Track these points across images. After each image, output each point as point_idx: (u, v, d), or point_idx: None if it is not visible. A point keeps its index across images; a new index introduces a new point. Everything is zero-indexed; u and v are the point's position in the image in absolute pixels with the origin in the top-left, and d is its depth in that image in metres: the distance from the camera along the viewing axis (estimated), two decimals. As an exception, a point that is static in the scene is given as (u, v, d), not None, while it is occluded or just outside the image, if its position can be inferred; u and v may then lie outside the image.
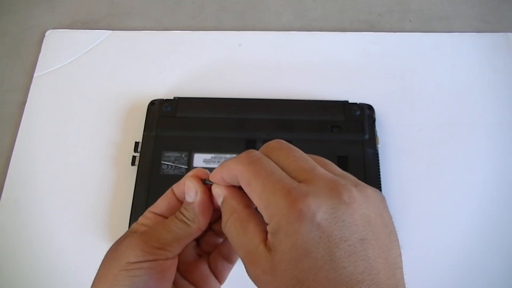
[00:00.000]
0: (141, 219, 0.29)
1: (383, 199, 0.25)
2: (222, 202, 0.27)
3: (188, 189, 0.28)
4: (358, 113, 0.52)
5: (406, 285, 0.23)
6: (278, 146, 0.26)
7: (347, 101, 0.53)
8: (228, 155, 0.50)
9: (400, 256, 0.24)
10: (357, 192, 0.23)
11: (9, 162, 0.53)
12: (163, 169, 0.49)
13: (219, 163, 0.45)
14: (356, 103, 0.53)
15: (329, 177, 0.24)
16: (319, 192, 0.23)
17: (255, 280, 0.25)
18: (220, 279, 0.31)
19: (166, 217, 0.29)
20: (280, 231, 0.22)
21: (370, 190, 0.24)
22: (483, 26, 0.61)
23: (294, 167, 0.25)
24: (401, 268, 0.24)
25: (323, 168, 0.25)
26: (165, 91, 0.56)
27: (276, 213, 0.23)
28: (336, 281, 0.21)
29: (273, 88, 0.56)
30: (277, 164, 0.25)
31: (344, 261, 0.22)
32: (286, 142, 0.26)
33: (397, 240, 0.25)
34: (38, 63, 0.59)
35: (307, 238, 0.22)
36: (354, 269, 0.22)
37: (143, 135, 0.52)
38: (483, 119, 0.54)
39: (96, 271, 0.29)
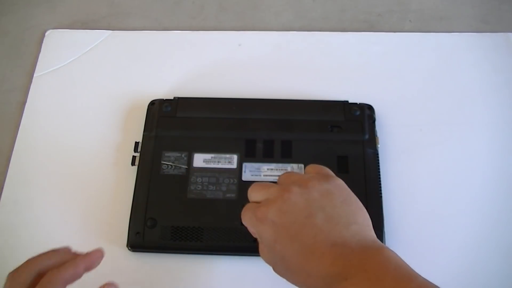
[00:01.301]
0: None
1: (331, 185, 0.35)
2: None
3: None
4: (358, 113, 0.52)
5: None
6: (250, 190, 0.37)
7: (347, 101, 0.53)
8: (228, 155, 0.50)
9: (358, 214, 0.33)
10: (297, 187, 0.34)
11: (9, 162, 0.53)
12: (163, 169, 0.49)
13: (219, 163, 0.49)
14: (356, 103, 0.53)
15: (275, 189, 0.35)
16: (268, 202, 0.34)
17: (262, 257, 0.36)
18: None
19: None
20: (257, 233, 0.35)
21: (316, 180, 0.35)
22: (483, 26, 0.61)
23: (258, 197, 0.36)
24: (358, 223, 0.33)
25: (294, 176, 0.36)
26: (165, 91, 0.56)
27: (251, 224, 0.35)
28: (298, 249, 0.32)
29: (273, 88, 0.56)
30: (253, 200, 0.37)
31: (299, 234, 0.32)
32: (257, 183, 0.37)
33: (351, 204, 0.34)
34: (38, 63, 0.59)
35: (269, 232, 0.33)
36: (307, 237, 0.32)
37: (143, 135, 0.52)
38: (483, 119, 0.54)
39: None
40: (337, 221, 0.32)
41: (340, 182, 0.36)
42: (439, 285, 0.29)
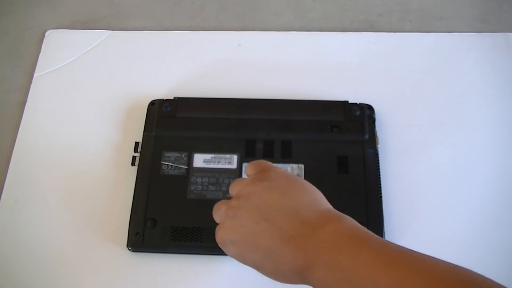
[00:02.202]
0: None
1: (268, 180, 0.35)
2: None
3: None
4: (358, 113, 0.52)
5: None
6: (213, 212, 0.38)
7: (347, 101, 0.53)
8: (228, 155, 0.50)
9: (302, 196, 0.34)
10: (238, 201, 0.35)
11: (9, 162, 0.53)
12: (163, 169, 0.49)
13: (219, 163, 0.49)
14: (356, 103, 0.53)
15: (223, 210, 0.36)
16: (221, 225, 0.36)
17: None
18: None
19: None
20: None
21: (252, 184, 0.35)
22: (483, 26, 0.61)
23: (217, 219, 0.37)
24: (305, 205, 0.33)
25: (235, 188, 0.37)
26: (165, 91, 0.56)
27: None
28: (262, 257, 0.33)
29: (273, 88, 0.56)
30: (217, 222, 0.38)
31: (256, 243, 0.33)
32: (215, 205, 0.38)
33: (292, 190, 0.35)
34: (38, 63, 0.59)
35: (233, 252, 0.35)
36: (264, 241, 0.33)
37: (143, 135, 0.52)
38: (483, 119, 0.54)
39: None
40: (285, 213, 0.33)
41: (276, 174, 0.36)
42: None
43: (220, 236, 0.36)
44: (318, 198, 0.35)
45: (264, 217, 0.33)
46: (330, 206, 0.35)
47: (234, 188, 0.37)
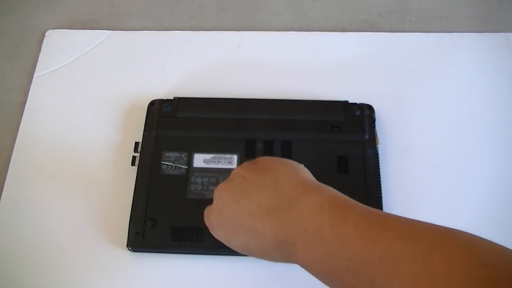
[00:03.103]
0: None
1: (253, 163, 0.36)
2: None
3: None
4: (358, 113, 0.52)
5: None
6: None
7: (347, 101, 0.53)
8: (228, 155, 0.50)
9: (283, 170, 0.34)
10: (222, 184, 0.36)
11: (9, 162, 0.53)
12: (163, 169, 0.49)
13: (219, 163, 0.50)
14: (356, 103, 0.53)
15: (206, 212, 0.38)
16: (209, 209, 0.37)
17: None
18: None
19: None
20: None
21: (238, 168, 0.36)
22: (483, 26, 0.61)
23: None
24: (285, 179, 0.33)
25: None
26: (165, 91, 0.56)
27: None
28: (245, 235, 0.33)
29: (273, 88, 0.56)
30: None
31: (238, 220, 0.33)
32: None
33: (278, 167, 0.34)
34: (38, 63, 0.59)
35: (220, 234, 0.36)
36: (244, 218, 0.33)
37: (143, 135, 0.52)
38: (483, 119, 0.54)
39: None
40: (264, 188, 0.33)
41: (263, 158, 0.37)
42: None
43: (207, 217, 0.36)
44: (299, 172, 0.34)
45: (245, 195, 0.33)
46: (311, 177, 0.34)
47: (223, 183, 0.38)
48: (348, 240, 0.27)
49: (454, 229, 0.26)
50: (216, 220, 0.35)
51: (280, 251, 0.31)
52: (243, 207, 0.33)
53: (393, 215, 0.28)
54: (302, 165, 0.35)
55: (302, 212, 0.30)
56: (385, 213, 0.29)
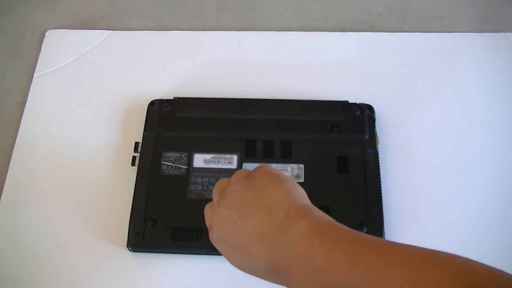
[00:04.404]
0: None
1: (252, 180, 0.35)
2: None
3: None
4: (358, 113, 0.52)
5: None
6: None
7: (347, 101, 0.53)
8: (228, 155, 0.50)
9: (278, 191, 0.33)
10: (219, 200, 0.35)
11: (9, 162, 0.53)
12: (163, 169, 0.49)
13: (219, 163, 0.49)
14: (356, 103, 0.53)
15: (210, 211, 0.37)
16: (210, 226, 0.36)
17: None
18: None
19: None
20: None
21: (235, 184, 0.35)
22: (483, 26, 0.61)
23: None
24: (278, 202, 0.32)
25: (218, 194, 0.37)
26: (165, 91, 0.56)
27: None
28: (240, 255, 0.33)
29: (273, 88, 0.56)
30: None
31: (235, 241, 0.33)
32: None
33: (272, 186, 0.33)
34: (38, 63, 0.59)
35: (221, 249, 0.35)
36: (241, 240, 0.33)
37: (143, 135, 0.52)
38: (483, 119, 0.54)
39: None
40: (259, 210, 0.33)
41: (260, 172, 0.35)
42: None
43: (210, 234, 0.36)
44: (294, 195, 0.34)
45: (241, 216, 0.33)
46: (304, 201, 0.34)
47: (218, 187, 0.37)
48: (338, 267, 0.28)
49: (441, 252, 0.27)
50: (217, 236, 0.35)
51: (273, 275, 0.32)
52: (239, 228, 0.33)
53: (381, 239, 0.29)
54: (299, 186, 0.35)
55: (293, 239, 0.30)
56: (373, 237, 0.29)
